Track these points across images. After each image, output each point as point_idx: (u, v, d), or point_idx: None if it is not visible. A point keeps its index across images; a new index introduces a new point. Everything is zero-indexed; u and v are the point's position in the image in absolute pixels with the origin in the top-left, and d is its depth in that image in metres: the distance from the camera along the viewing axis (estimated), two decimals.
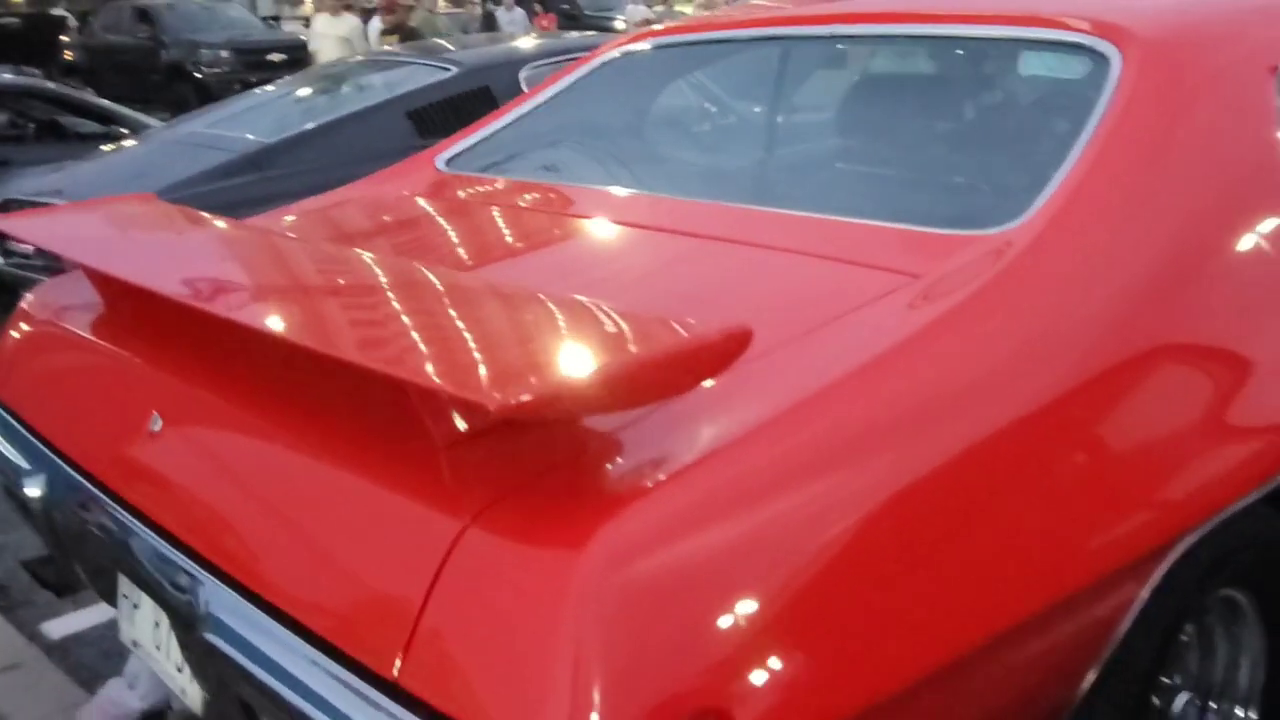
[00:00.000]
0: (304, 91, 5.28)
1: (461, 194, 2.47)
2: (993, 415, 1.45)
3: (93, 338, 2.01)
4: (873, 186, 2.13)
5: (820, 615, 1.25)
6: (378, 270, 1.69)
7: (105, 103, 7.29)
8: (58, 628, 3.03)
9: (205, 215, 2.21)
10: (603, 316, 1.30)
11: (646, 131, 2.74)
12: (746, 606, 1.21)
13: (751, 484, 1.26)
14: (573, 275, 1.86)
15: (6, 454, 2.02)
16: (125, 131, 6.69)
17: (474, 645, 1.18)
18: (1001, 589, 1.40)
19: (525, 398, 1.09)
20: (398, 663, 1.22)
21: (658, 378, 1.19)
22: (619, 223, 2.12)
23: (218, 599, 1.47)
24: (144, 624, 1.79)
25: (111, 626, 2.99)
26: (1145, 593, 1.61)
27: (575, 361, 1.16)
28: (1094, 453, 1.54)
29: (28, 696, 2.61)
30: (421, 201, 2.44)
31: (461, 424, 1.33)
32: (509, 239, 2.22)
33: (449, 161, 2.68)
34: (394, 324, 1.43)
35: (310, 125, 4.49)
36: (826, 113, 2.51)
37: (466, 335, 1.34)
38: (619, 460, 1.29)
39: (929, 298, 1.55)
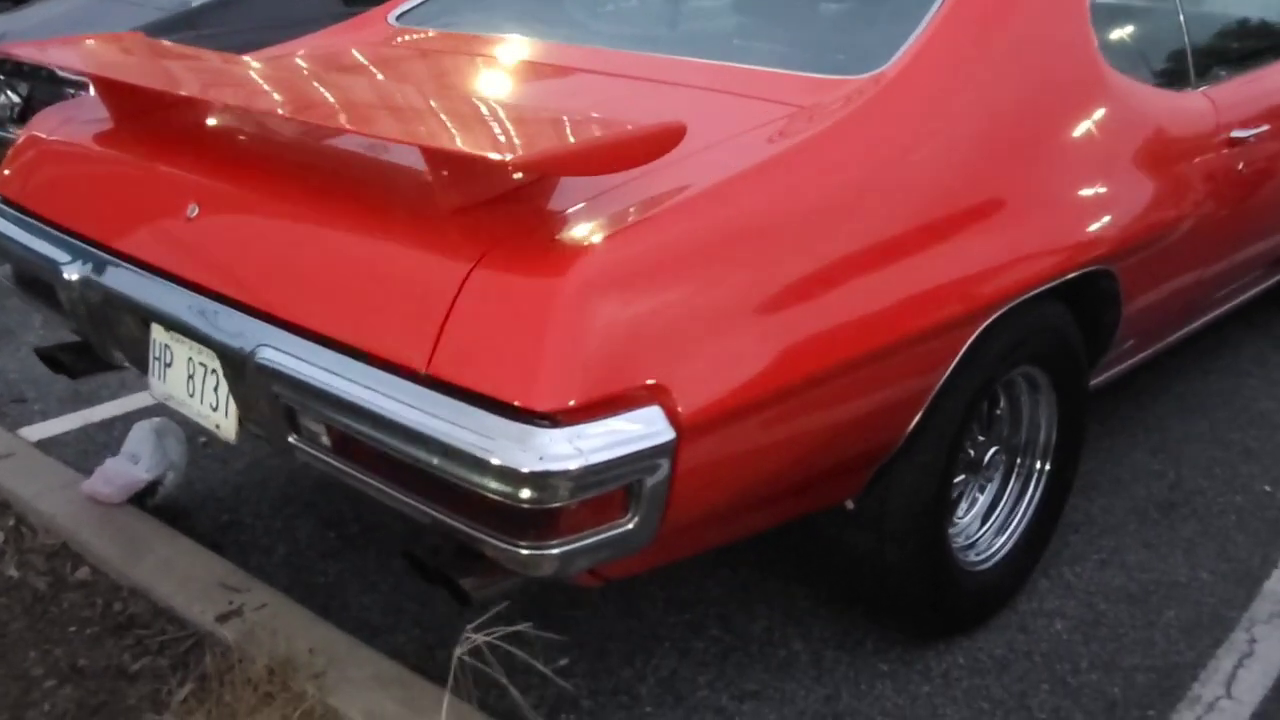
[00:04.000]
0: None
1: (416, 43, 2.86)
2: (855, 201, 1.97)
3: (116, 150, 2.38)
4: (772, 43, 2.61)
5: (720, 334, 1.75)
6: (378, 85, 2.11)
7: None
8: (33, 433, 3.39)
9: (198, 49, 2.58)
10: (579, 116, 1.77)
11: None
12: (671, 324, 1.70)
13: (679, 235, 1.76)
14: (528, 102, 2.31)
15: (41, 250, 2.38)
16: None
17: (489, 340, 1.65)
18: (847, 335, 1.92)
19: (534, 155, 1.56)
20: (428, 359, 1.69)
21: (622, 151, 1.67)
22: (558, 67, 2.56)
23: (267, 334, 1.91)
24: (177, 378, 2.20)
25: (84, 432, 3.38)
26: (957, 357, 2.15)
27: (566, 136, 1.63)
28: (922, 243, 2.06)
29: (27, 477, 2.99)
30: (381, 49, 2.83)
31: (463, 195, 1.79)
32: (465, 78, 2.63)
33: (399, 17, 3.06)
34: (414, 114, 1.87)
35: None
36: None
37: (478, 120, 1.79)
38: (582, 220, 1.76)
39: (813, 118, 2.05)
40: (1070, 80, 2.46)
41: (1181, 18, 2.98)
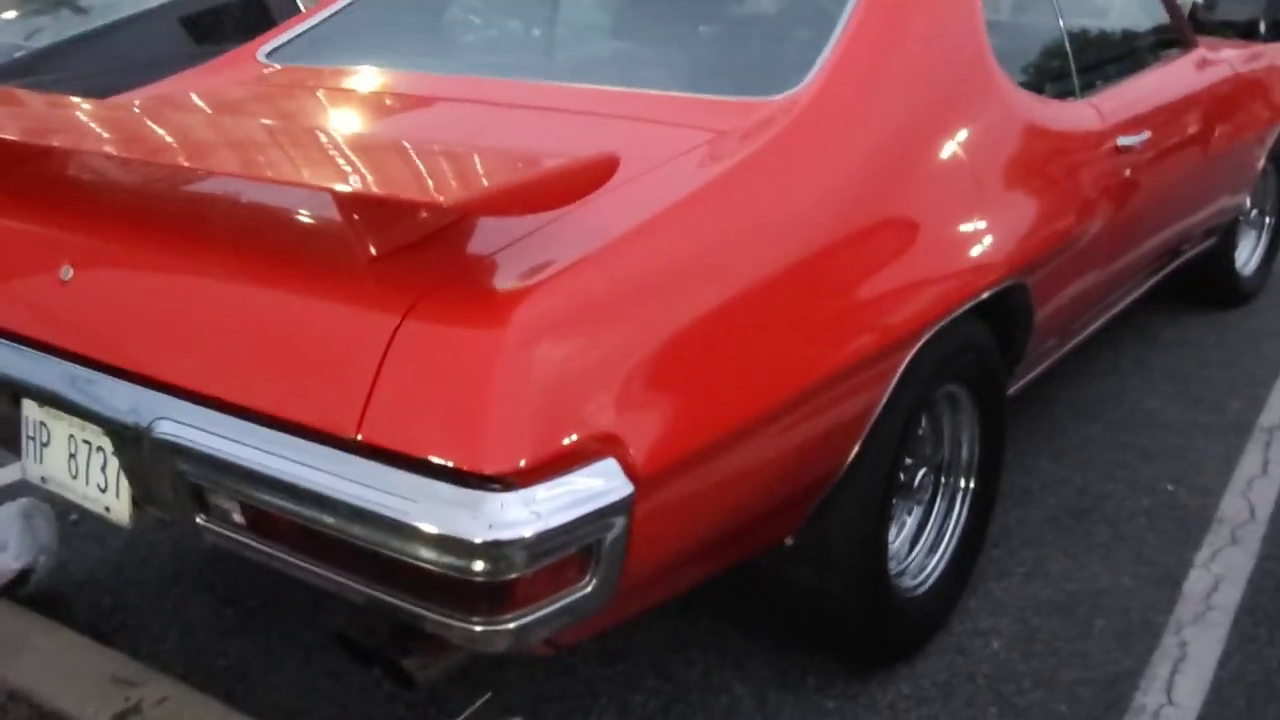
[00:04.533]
0: None
1: (295, 81, 2.69)
2: (792, 228, 1.89)
3: None
4: (668, 67, 2.52)
5: (669, 376, 1.65)
6: (268, 126, 1.95)
7: None
8: None
9: (58, 95, 2.37)
10: (504, 151, 1.65)
11: (454, 25, 3.02)
12: (619, 369, 1.60)
13: (620, 273, 1.65)
14: (432, 139, 2.16)
15: None
16: None
17: (425, 399, 1.51)
18: (792, 366, 1.84)
19: (472, 196, 1.43)
20: (358, 423, 1.54)
21: (559, 186, 1.55)
22: (450, 100, 2.43)
23: (164, 405, 1.73)
24: (56, 459, 1.99)
25: None
26: (893, 383, 2.10)
27: (498, 173, 1.51)
28: (859, 268, 2.01)
29: None
30: (260, 88, 2.65)
31: (381, 242, 1.65)
32: (357, 116, 2.47)
33: (270, 54, 2.88)
34: (318, 156, 1.72)
35: (82, 30, 4.45)
36: (618, 11, 2.88)
37: (390, 160, 1.65)
38: (515, 263, 1.64)
39: (738, 143, 1.97)
40: (973, 95, 2.45)
41: (1062, 28, 3.01)
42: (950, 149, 2.29)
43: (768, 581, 2.29)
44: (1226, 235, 4.32)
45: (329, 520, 1.54)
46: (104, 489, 1.92)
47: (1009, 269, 2.37)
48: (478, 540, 1.43)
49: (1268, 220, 4.77)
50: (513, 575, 1.46)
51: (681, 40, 2.60)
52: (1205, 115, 3.59)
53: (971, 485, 2.61)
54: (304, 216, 1.79)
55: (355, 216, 1.64)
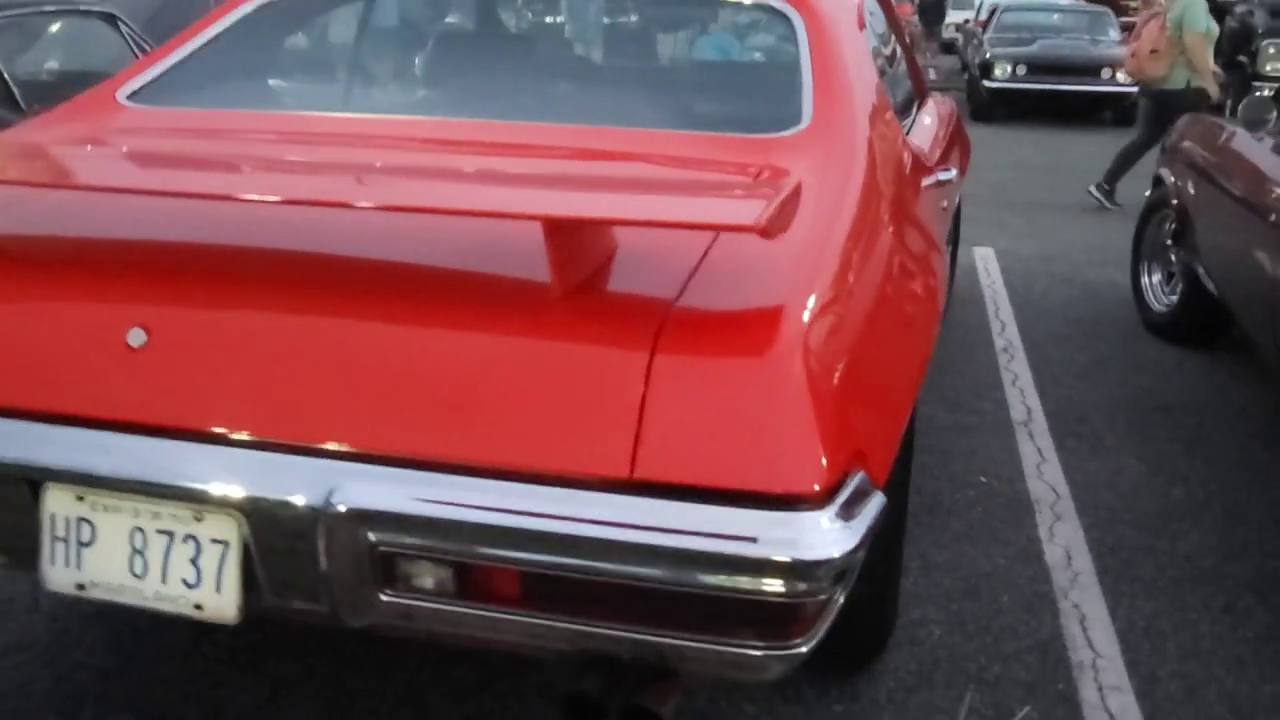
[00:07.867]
0: None
1: (184, 127, 2.42)
2: (882, 243, 2.04)
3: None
4: (688, 110, 2.55)
5: (866, 386, 1.74)
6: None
7: None
8: None
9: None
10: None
11: (382, 53, 2.84)
12: (849, 383, 1.66)
13: (823, 298, 1.71)
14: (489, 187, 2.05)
15: None
16: None
17: (704, 430, 1.48)
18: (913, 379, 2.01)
19: (769, 218, 1.44)
20: (629, 462, 1.48)
21: (793, 210, 1.59)
22: (461, 142, 2.28)
23: (349, 474, 1.54)
24: (107, 558, 1.69)
25: None
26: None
27: (766, 195, 1.54)
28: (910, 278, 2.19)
29: None
30: (135, 138, 2.36)
31: (569, 275, 1.60)
32: (280, 166, 2.22)
33: (132, 96, 2.57)
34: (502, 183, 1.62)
35: None
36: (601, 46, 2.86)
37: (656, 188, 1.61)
38: (725, 286, 1.66)
39: (810, 170, 2.07)
40: (891, 126, 2.70)
41: (878, 65, 3.36)
42: (920, 174, 2.52)
43: None
44: None
45: (618, 568, 1.46)
46: (193, 584, 1.66)
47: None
48: (810, 558, 1.43)
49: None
50: (822, 596, 1.47)
51: (662, 82, 2.65)
52: (954, 153, 4.13)
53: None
54: (455, 255, 1.67)
55: (558, 249, 1.57)
